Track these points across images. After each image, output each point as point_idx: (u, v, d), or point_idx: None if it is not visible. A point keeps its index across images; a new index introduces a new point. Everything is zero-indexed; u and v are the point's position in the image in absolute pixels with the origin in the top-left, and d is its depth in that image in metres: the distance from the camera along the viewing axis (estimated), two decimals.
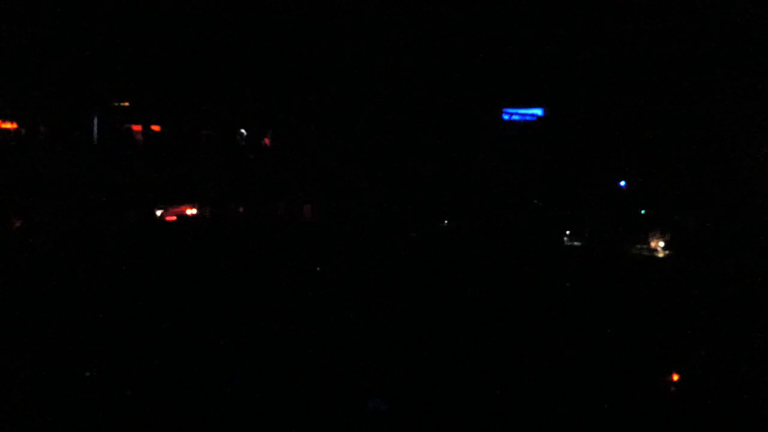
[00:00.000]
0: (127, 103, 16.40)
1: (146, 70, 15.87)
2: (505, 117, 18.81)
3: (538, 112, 18.54)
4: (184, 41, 16.01)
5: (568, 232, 16.87)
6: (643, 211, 16.49)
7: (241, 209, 17.68)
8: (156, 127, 17.06)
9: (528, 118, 18.70)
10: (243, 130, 18.24)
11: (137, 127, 16.82)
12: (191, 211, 17.14)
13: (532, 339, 9.75)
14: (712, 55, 15.20)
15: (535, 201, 17.78)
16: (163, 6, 15.51)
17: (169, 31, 15.83)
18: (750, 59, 14.84)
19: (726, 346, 9.61)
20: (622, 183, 17.20)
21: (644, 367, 8.95)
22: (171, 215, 16.91)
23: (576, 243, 16.69)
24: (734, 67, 14.99)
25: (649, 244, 16.05)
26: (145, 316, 9.74)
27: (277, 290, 11.96)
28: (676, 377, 9.02)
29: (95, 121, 15.70)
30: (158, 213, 16.72)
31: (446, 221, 17.84)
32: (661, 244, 15.97)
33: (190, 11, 15.75)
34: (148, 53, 15.74)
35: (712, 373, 8.67)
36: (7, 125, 15.54)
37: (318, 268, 13.96)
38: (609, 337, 9.96)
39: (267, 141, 18.65)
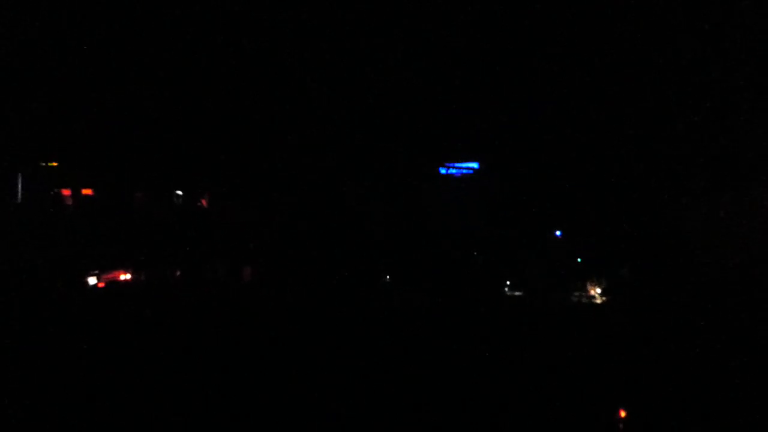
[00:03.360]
0: (55, 164, 15.93)
1: (76, 128, 15.50)
2: (443, 171, 19.10)
3: (474, 165, 18.90)
4: (116, 97, 15.76)
5: (508, 283, 17.03)
6: (579, 260, 16.81)
7: (177, 273, 17.22)
8: (87, 191, 16.62)
9: (465, 171, 19.02)
10: (179, 192, 17.95)
11: (66, 191, 16.34)
12: (125, 277, 16.60)
13: (482, 389, 9.69)
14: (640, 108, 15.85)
15: (475, 253, 17.92)
16: (93, 59, 15.26)
17: (100, 85, 15.57)
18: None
19: (667, 390, 9.77)
20: (558, 233, 17.54)
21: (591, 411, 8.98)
22: (102, 281, 16.32)
23: (517, 293, 16.84)
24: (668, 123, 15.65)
25: (587, 291, 16.32)
26: (74, 390, 9.26)
27: (214, 356, 11.60)
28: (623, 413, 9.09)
29: (19, 182, 15.13)
30: (90, 280, 16.12)
31: (388, 277, 17.76)
32: (599, 290, 16.26)
33: (121, 65, 15.55)
34: (79, 110, 15.43)
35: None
36: None
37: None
38: (559, 384, 9.98)
39: (204, 202, 18.38)
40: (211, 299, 15.59)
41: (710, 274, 14.21)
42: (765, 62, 13.94)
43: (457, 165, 19.31)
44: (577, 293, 16.27)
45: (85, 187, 16.65)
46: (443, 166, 19.41)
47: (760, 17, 13.46)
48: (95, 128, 16.10)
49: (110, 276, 16.34)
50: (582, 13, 15.36)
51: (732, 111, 14.84)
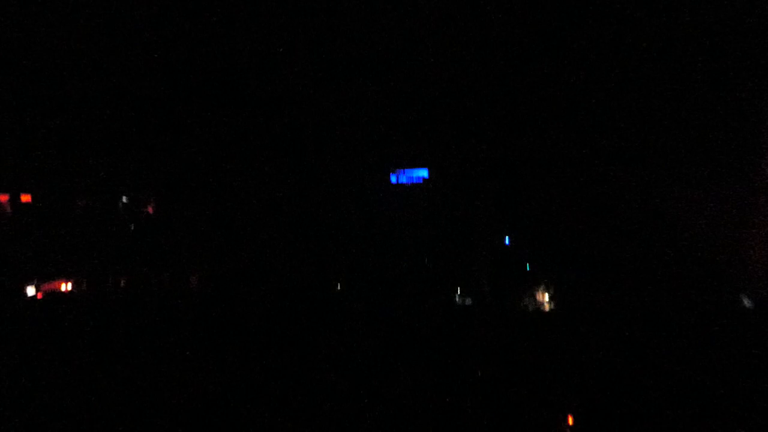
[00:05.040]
0: None
1: (12, 128, 14.90)
2: (393, 179, 19.12)
3: (424, 173, 18.98)
4: (57, 97, 15.19)
5: (459, 291, 17.15)
6: (528, 267, 17.07)
7: (122, 282, 16.71)
8: (26, 197, 15.96)
9: (415, 180, 19.08)
10: (124, 198, 17.43)
11: (3, 197, 15.65)
12: (66, 286, 16.01)
13: (435, 398, 9.70)
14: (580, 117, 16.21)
15: (426, 262, 17.99)
16: (32, 61, 14.67)
17: (40, 84, 14.99)
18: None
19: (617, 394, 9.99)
20: (507, 240, 17.77)
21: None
22: (41, 291, 15.70)
23: (467, 301, 16.98)
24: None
25: (535, 298, 16.58)
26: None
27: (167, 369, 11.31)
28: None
29: None
30: (29, 290, 15.49)
31: (338, 286, 17.66)
32: (546, 297, 16.54)
33: (65, 66, 15.02)
34: (16, 110, 14.82)
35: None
36: None
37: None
38: (510, 390, 10.10)
39: (150, 209, 17.90)
40: (157, 310, 15.18)
41: (654, 281, 14.66)
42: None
43: (406, 173, 19.37)
44: (525, 300, 16.51)
45: (24, 192, 15.99)
46: (392, 174, 19.44)
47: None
48: (34, 128, 15.52)
49: (50, 286, 15.74)
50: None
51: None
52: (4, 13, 13.93)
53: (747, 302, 13.92)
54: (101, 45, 15.46)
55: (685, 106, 14.89)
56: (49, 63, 15.11)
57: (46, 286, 15.70)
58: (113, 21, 15.16)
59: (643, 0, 14.69)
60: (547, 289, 16.53)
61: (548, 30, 15.58)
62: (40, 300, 15.50)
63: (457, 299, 17.07)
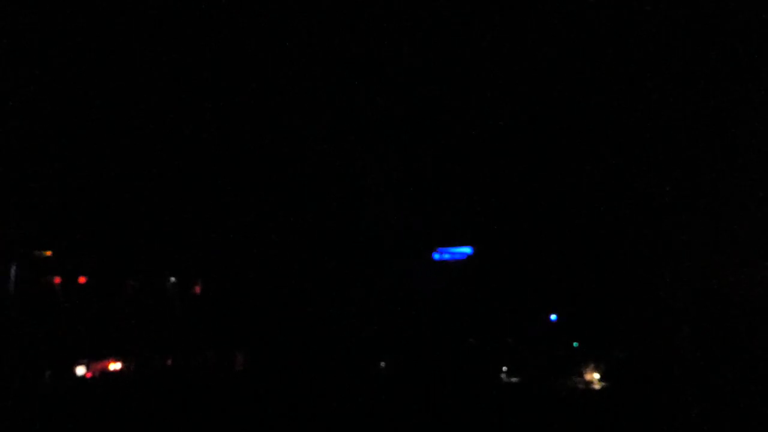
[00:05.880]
0: (49, 252, 15.90)
1: (70, 216, 15.57)
2: (436, 257, 19.16)
3: (468, 250, 18.98)
4: (106, 189, 15.91)
5: (505, 369, 16.81)
6: (575, 344, 16.68)
7: (169, 361, 16.90)
8: (82, 279, 16.50)
9: (458, 256, 19.08)
10: (172, 278, 17.86)
11: (58, 280, 16.22)
12: (115, 366, 16.26)
13: None
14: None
15: (471, 339, 17.76)
16: (81, 155, 15.43)
17: (90, 176, 15.74)
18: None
19: None
20: (553, 317, 17.47)
21: None
22: (92, 371, 15.97)
23: (513, 379, 16.60)
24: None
25: (583, 376, 16.10)
26: None
27: None
28: None
29: (12, 271, 15.02)
30: (79, 369, 15.77)
31: (383, 363, 17.52)
32: (596, 376, 16.05)
33: (109, 161, 15.75)
34: (72, 198, 15.54)
35: None
36: None
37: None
38: None
39: (198, 289, 18.26)
40: (204, 389, 15.26)
41: (702, 359, 14.13)
42: None
43: (450, 250, 19.39)
44: (574, 378, 16.04)
45: (79, 275, 16.54)
46: (436, 252, 19.49)
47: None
48: (89, 217, 16.19)
49: (99, 365, 16.01)
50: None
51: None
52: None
53: None
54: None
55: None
56: (96, 156, 15.89)
57: (96, 366, 15.98)
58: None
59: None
60: (596, 367, 16.03)
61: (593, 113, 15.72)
62: (89, 379, 15.76)
63: (503, 377, 16.69)
